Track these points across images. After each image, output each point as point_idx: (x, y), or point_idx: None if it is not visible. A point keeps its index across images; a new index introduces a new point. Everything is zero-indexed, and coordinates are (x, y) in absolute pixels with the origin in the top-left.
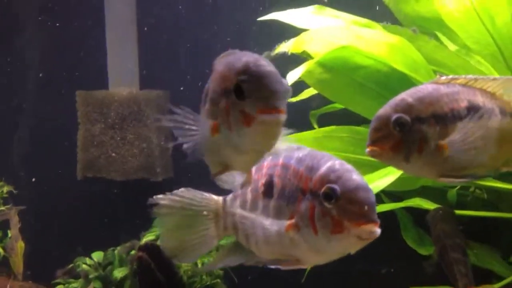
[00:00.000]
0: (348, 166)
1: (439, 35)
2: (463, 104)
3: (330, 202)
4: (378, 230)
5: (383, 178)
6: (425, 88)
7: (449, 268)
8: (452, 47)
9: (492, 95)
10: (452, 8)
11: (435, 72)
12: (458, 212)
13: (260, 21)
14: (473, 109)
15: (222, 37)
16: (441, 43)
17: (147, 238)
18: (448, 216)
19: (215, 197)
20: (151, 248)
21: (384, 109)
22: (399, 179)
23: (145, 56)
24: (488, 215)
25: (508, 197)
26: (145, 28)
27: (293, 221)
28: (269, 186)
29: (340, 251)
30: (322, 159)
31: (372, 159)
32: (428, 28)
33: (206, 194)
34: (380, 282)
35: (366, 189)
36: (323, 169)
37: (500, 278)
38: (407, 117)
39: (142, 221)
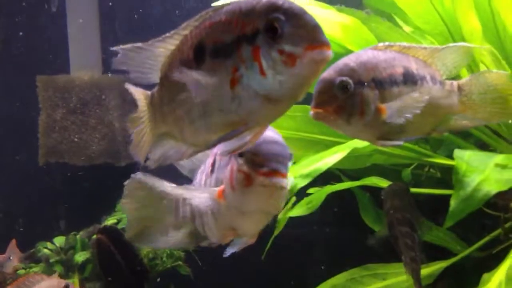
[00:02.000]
0: None
1: (394, 17)
2: (400, 70)
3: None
4: (279, 180)
5: (333, 155)
6: (366, 53)
7: (396, 241)
8: (406, 28)
9: (424, 63)
10: None
11: None
12: (413, 190)
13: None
14: (408, 76)
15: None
16: (395, 24)
17: (109, 221)
18: (401, 191)
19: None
20: (111, 231)
21: (328, 73)
22: (350, 157)
23: (107, 39)
24: (441, 193)
25: None
26: (107, 12)
27: (222, 186)
28: (213, 163)
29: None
30: None
31: (324, 137)
32: (382, 10)
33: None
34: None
35: (274, 143)
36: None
37: (453, 255)
38: (350, 81)
39: (105, 206)
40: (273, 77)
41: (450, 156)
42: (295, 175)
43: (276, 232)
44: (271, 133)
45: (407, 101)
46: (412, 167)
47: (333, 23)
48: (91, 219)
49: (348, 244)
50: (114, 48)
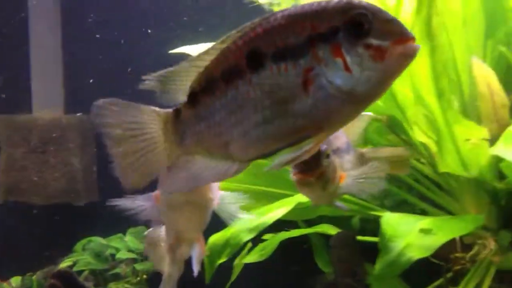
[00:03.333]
0: None
1: None
2: (344, 139)
3: None
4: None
5: (279, 209)
6: None
7: None
8: None
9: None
10: None
11: None
12: (360, 238)
13: (173, 53)
14: (348, 144)
15: (142, 63)
16: None
17: (65, 263)
18: (347, 241)
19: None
20: (64, 275)
21: None
22: (297, 210)
23: (70, 79)
24: None
25: None
26: (71, 52)
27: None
28: None
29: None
30: None
31: (270, 189)
32: None
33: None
34: None
35: None
36: None
37: None
38: (329, 149)
39: (62, 246)
40: (360, 73)
41: (395, 207)
42: (241, 229)
43: (232, 278)
44: None
45: (367, 170)
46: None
47: None
48: (48, 259)
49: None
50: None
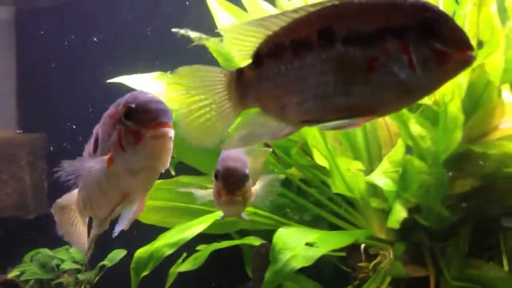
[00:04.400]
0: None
1: None
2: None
3: (129, 119)
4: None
5: (198, 225)
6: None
7: None
8: None
9: None
10: None
11: None
12: None
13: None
14: None
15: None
16: None
17: (13, 273)
18: (264, 251)
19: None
20: (10, 284)
21: (238, 166)
22: (218, 224)
23: (23, 99)
24: None
25: None
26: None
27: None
28: (96, 141)
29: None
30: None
31: (196, 206)
32: None
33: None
34: None
35: (155, 101)
36: (124, 98)
37: None
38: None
39: (11, 257)
40: (422, 72)
41: (312, 222)
42: (163, 244)
43: (167, 286)
44: (150, 95)
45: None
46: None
47: None
48: None
49: None
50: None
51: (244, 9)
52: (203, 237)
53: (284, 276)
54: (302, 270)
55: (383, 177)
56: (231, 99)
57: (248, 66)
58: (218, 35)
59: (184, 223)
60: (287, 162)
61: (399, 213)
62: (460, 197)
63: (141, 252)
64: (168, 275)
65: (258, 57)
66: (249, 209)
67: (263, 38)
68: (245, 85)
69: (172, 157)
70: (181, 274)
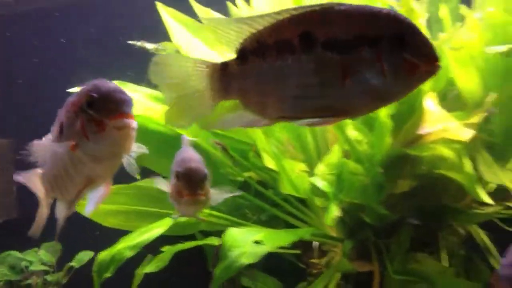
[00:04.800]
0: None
1: None
2: None
3: (91, 108)
4: (130, 121)
5: (157, 228)
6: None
7: None
8: None
9: None
10: None
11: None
12: None
13: None
14: None
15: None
16: None
17: None
18: None
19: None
20: None
21: (197, 166)
22: (178, 226)
23: None
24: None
25: None
26: None
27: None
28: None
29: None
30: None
31: (155, 209)
32: None
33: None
34: None
35: (118, 91)
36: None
37: None
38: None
39: None
40: (393, 80)
41: (268, 221)
42: (124, 246)
43: (134, 286)
44: (112, 84)
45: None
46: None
47: None
48: None
49: None
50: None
51: (199, 21)
52: (168, 239)
53: (233, 271)
54: (262, 268)
55: (320, 179)
56: (212, 89)
57: (233, 60)
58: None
59: (145, 226)
60: (245, 166)
61: (334, 212)
62: (401, 197)
63: (103, 255)
64: (135, 277)
65: (243, 53)
66: (206, 210)
67: (246, 35)
68: (228, 78)
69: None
70: (147, 274)
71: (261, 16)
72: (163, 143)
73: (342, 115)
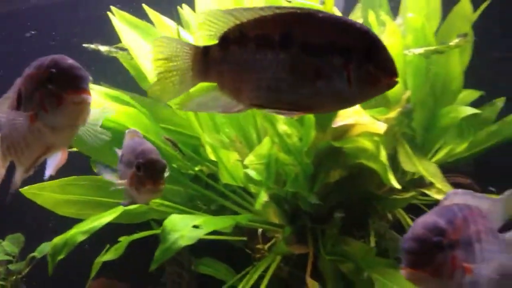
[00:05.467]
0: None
1: None
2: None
3: (51, 83)
4: (87, 96)
5: (108, 216)
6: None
7: (168, 278)
8: None
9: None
10: None
11: (166, 129)
12: None
13: None
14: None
15: None
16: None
17: None
18: None
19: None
20: None
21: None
22: (129, 214)
23: None
24: (216, 238)
25: None
26: None
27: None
28: (19, 96)
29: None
30: None
31: (108, 199)
32: None
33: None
34: None
35: (76, 67)
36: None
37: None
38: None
39: None
40: (357, 88)
41: (218, 211)
42: (77, 231)
43: (92, 274)
44: (71, 60)
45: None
46: None
47: (119, 112)
48: None
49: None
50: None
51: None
52: (125, 228)
53: (171, 253)
54: (216, 257)
55: (251, 168)
56: (193, 70)
57: (215, 46)
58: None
59: (98, 214)
60: (196, 160)
61: (262, 198)
62: (333, 186)
63: (57, 239)
64: (94, 264)
65: (225, 41)
66: (157, 200)
67: (231, 26)
68: (209, 62)
69: (89, 157)
70: (106, 263)
71: (246, 10)
72: (115, 139)
73: (307, 111)
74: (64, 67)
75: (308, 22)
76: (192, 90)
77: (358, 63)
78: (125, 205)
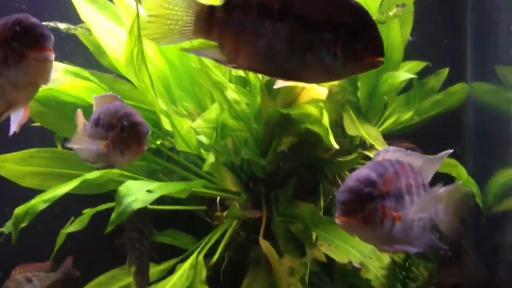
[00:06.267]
0: None
1: None
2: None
3: (15, 41)
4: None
5: (68, 185)
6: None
7: (128, 244)
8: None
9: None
10: (120, 60)
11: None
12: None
13: None
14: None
15: None
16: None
17: None
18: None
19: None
20: None
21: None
22: (90, 185)
23: None
24: (175, 208)
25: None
26: None
27: None
28: None
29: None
30: None
31: (69, 171)
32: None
33: None
34: None
35: (39, 26)
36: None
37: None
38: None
39: None
40: (341, 65)
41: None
42: (38, 200)
43: (57, 246)
44: (34, 19)
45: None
46: None
47: (78, 86)
48: None
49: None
50: None
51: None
52: (90, 201)
53: (125, 216)
54: (178, 228)
55: (200, 133)
56: (196, 25)
57: (220, 7)
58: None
59: (60, 184)
60: (158, 134)
61: (210, 159)
62: (286, 153)
63: (19, 209)
64: (59, 236)
65: (230, 4)
66: (116, 170)
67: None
68: (212, 21)
69: (55, 133)
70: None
71: None
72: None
73: (297, 80)
74: (28, 25)
75: None
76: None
77: (345, 40)
78: (100, 169)
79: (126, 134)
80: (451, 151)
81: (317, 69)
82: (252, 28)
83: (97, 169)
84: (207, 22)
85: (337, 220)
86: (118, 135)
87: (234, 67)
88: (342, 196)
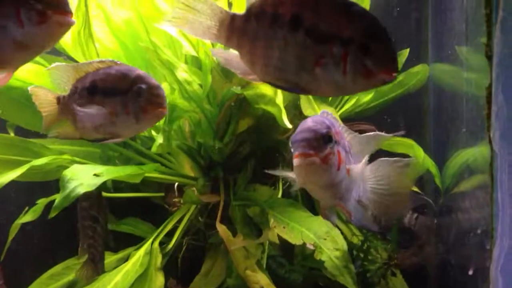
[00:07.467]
0: None
1: None
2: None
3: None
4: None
5: (15, 172)
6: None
7: (81, 232)
8: None
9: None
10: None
11: None
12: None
13: None
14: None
15: None
16: None
17: None
18: (91, 195)
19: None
20: None
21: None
22: (39, 172)
23: None
24: (134, 195)
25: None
26: None
27: None
28: None
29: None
30: None
31: (18, 157)
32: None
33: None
34: None
35: None
36: None
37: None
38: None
39: None
40: (350, 80)
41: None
42: None
43: (10, 237)
44: None
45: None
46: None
47: (26, 70)
48: None
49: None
50: None
51: None
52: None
53: (70, 200)
54: (139, 216)
55: None
56: (219, 31)
57: (240, 16)
58: None
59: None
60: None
61: (159, 140)
62: (243, 135)
63: None
64: (12, 227)
65: (249, 13)
66: (66, 156)
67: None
68: (232, 29)
69: (7, 121)
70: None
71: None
72: (26, 99)
73: (308, 93)
74: None
75: (317, 6)
76: None
77: (355, 54)
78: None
79: (144, 97)
80: (402, 132)
81: (327, 83)
82: (265, 38)
83: (99, 141)
84: (228, 30)
85: (295, 161)
86: (132, 99)
87: (253, 80)
88: (301, 136)
